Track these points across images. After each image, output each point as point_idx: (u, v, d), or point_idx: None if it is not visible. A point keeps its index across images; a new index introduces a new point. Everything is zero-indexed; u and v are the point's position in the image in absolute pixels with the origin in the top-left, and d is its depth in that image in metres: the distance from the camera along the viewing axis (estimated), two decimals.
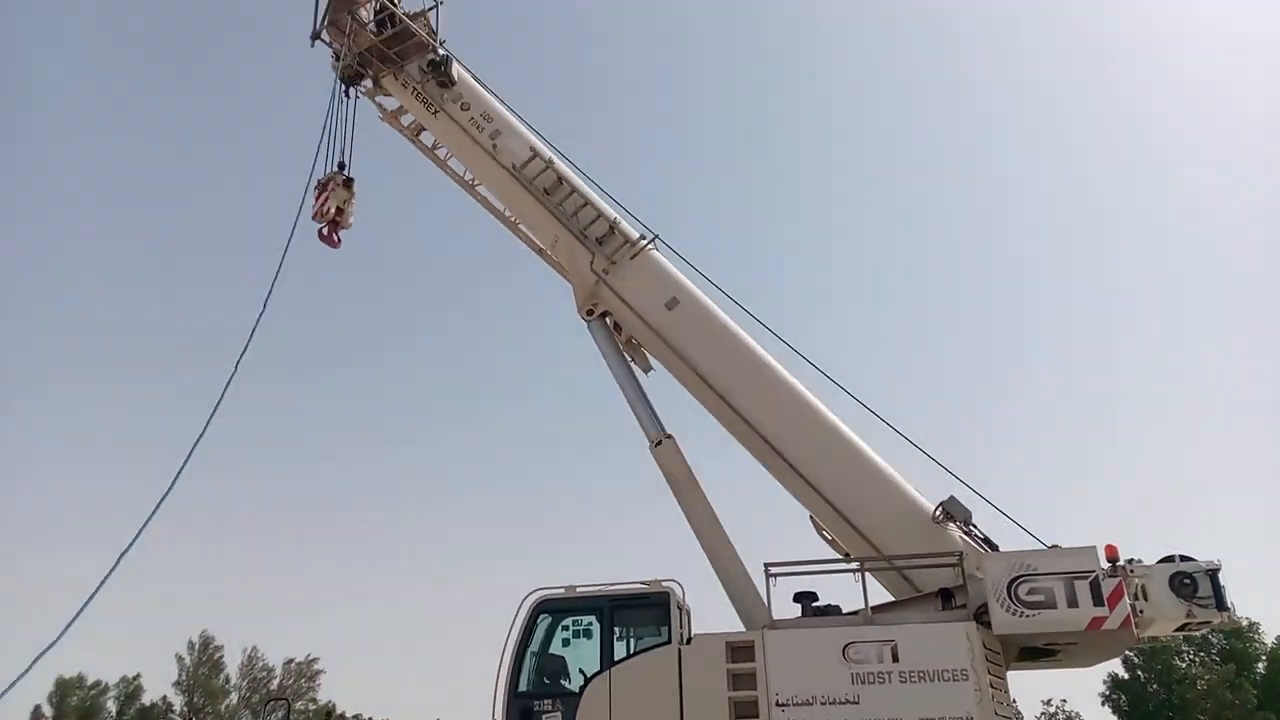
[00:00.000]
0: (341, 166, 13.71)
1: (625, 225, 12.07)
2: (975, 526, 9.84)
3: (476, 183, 13.34)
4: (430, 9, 13.53)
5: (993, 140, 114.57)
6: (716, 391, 11.00)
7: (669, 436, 10.87)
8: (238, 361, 12.60)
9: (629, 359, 11.86)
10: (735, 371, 11.06)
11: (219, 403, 12.35)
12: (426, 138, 13.58)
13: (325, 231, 13.62)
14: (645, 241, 11.86)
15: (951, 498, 9.88)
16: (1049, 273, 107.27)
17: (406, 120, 13.68)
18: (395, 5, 13.59)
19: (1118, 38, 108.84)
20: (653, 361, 11.91)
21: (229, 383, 12.45)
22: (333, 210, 13.47)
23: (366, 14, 13.56)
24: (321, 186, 13.58)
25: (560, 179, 12.25)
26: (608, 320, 11.94)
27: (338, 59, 13.71)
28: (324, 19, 13.72)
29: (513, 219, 13.29)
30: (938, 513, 9.86)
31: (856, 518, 10.05)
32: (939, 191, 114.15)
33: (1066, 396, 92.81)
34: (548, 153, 12.50)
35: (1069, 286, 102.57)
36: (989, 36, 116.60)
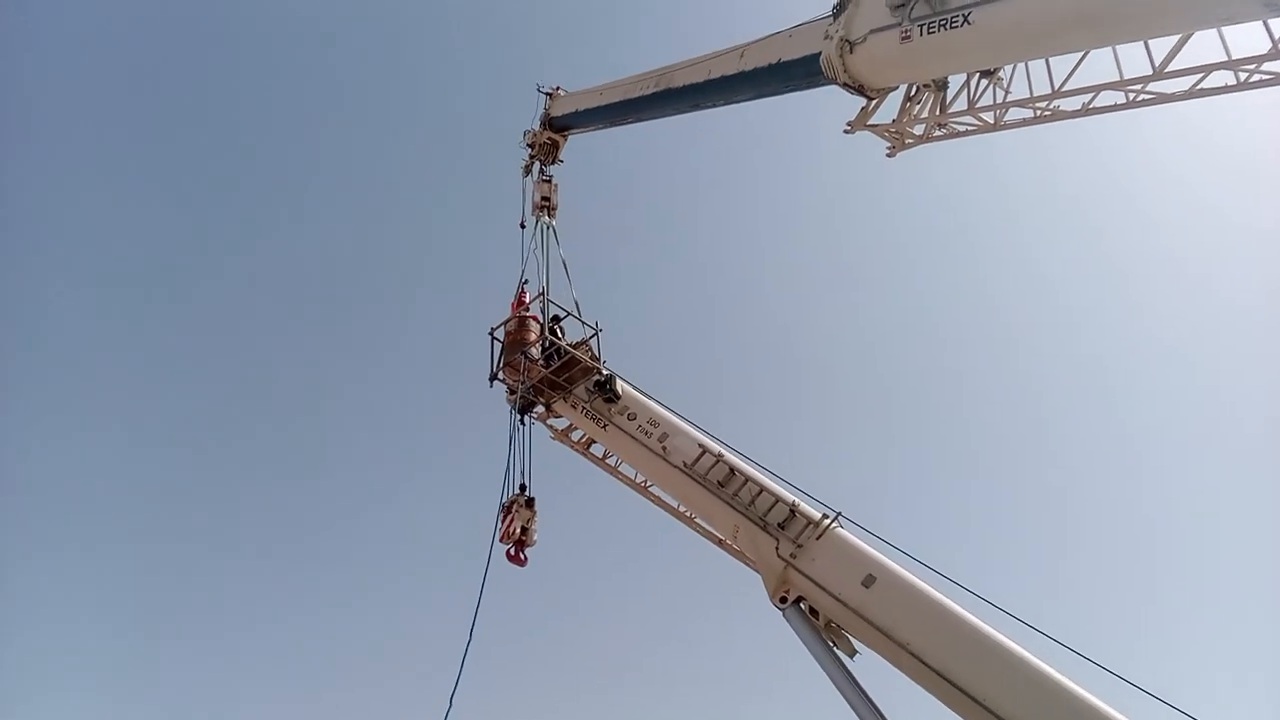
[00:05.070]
0: (523, 488, 14.72)
1: (806, 507, 12.10)
2: None
3: (650, 484, 13.96)
4: (591, 337, 15.25)
5: None
6: (935, 670, 10.20)
7: None
8: (451, 695, 13.04)
9: (832, 644, 11.32)
10: (952, 647, 10.31)
11: None
12: (597, 449, 14.61)
13: (512, 552, 14.31)
14: (829, 520, 11.80)
15: None
16: None
17: (576, 436, 14.85)
18: (560, 339, 15.29)
19: None
20: (858, 645, 11.32)
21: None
22: (518, 531, 14.24)
23: (536, 351, 15.27)
24: (506, 510, 14.49)
25: (733, 470, 12.62)
26: (803, 606, 11.61)
27: (512, 393, 15.23)
28: (499, 362, 15.50)
29: (690, 515, 13.64)
30: None
31: None
32: None
33: None
34: (716, 447, 13.04)
35: None
36: None
